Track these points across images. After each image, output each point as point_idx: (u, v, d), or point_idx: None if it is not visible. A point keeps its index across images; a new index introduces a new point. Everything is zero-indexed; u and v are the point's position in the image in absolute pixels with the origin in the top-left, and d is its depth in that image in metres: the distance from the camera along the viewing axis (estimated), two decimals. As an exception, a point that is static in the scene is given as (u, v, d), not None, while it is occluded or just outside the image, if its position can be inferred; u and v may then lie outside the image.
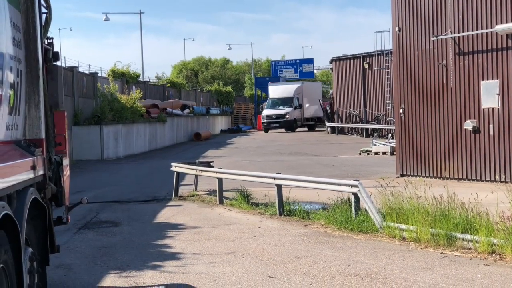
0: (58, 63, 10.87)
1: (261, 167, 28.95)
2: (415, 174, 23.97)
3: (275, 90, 67.62)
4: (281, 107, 65.04)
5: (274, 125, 63.91)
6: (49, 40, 10.31)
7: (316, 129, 67.00)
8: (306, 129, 67.54)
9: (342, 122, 59.13)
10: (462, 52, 22.63)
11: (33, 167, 8.30)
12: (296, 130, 64.68)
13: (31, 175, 8.22)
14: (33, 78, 8.69)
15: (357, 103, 56.87)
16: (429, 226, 13.07)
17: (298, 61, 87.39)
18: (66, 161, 10.54)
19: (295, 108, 64.97)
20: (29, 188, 8.15)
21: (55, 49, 10.53)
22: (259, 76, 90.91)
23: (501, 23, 21.32)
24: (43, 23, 9.58)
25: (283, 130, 64.14)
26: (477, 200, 13.10)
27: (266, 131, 64.24)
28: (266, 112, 65.53)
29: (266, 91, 79.26)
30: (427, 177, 23.08)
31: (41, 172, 8.77)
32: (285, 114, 63.84)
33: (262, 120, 65.49)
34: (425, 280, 10.36)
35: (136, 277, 11.18)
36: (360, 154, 37.72)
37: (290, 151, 41.28)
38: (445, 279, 10.40)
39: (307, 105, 66.79)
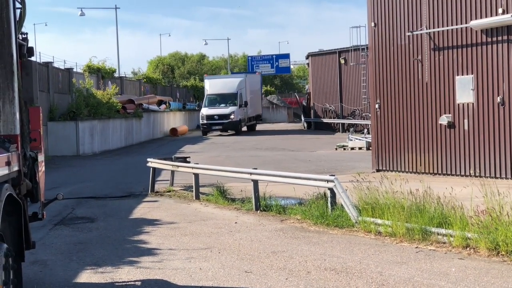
0: (33, 58, 10.81)
1: (238, 163, 28.93)
2: (391, 169, 24.09)
3: (214, 85, 57.73)
4: (222, 105, 55.49)
5: (216, 127, 54.31)
6: (23, 36, 10.24)
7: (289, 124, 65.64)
8: (251, 130, 60.06)
9: (318, 117, 59.26)
10: (437, 47, 22.76)
11: (8, 163, 8.25)
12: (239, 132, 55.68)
13: (5, 171, 8.17)
14: (7, 73, 8.64)
15: (334, 98, 57.04)
16: (404, 220, 13.15)
17: (274, 56, 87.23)
18: (41, 157, 10.50)
19: (240, 106, 55.70)
20: (4, 184, 8.09)
21: (30, 45, 10.46)
22: (236, 71, 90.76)
23: (476, 18, 21.48)
24: (17, 19, 9.52)
25: (226, 132, 55.38)
26: (452, 194, 13.21)
27: (205, 133, 54.42)
28: (205, 111, 55.05)
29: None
30: (402, 172, 23.22)
31: (16, 168, 8.72)
32: (229, 114, 54.37)
33: (201, 121, 55.33)
34: (400, 274, 10.43)
35: (112, 273, 11.16)
36: (336, 149, 37.83)
37: (267, 147, 41.33)
38: (420, 273, 10.48)
39: (250, 102, 58.35)
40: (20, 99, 9.04)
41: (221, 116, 54.01)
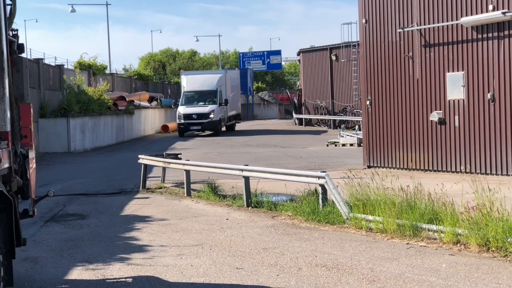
0: (23, 55, 10.78)
1: (229, 159, 28.96)
2: (382, 165, 24.13)
3: (192, 81, 52.89)
4: (201, 103, 51.00)
5: (195, 127, 49.97)
6: (14, 32, 10.20)
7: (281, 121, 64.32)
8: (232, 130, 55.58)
9: (309, 114, 59.31)
10: (428, 44, 22.80)
11: (-2, 160, 8.24)
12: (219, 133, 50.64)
13: (-4, 168, 8.16)
14: (-3, 70, 8.62)
15: (325, 95, 57.10)
16: (395, 217, 13.18)
17: (265, 52, 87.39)
18: (32, 154, 10.46)
19: (220, 104, 51.21)
20: (-6, 181, 8.09)
21: (21, 41, 10.43)
22: (227, 68, 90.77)
23: (467, 15, 21.53)
24: (7, 15, 9.49)
25: (203, 133, 51.01)
26: (442, 190, 13.25)
27: (182, 134, 50.08)
28: (182, 110, 50.38)
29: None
30: (394, 168, 23.28)
31: (6, 165, 8.70)
32: (209, 113, 49.83)
33: (178, 120, 50.66)
34: (391, 270, 10.46)
35: (103, 270, 11.15)
36: (327, 145, 37.89)
37: (258, 143, 41.35)
38: (410, 269, 10.51)
39: (230, 100, 54.09)
40: (10, 96, 9.02)
41: (200, 115, 49.71)
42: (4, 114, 8.71)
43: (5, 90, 8.71)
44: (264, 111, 79.50)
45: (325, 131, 51.18)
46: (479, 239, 11.57)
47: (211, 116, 49.59)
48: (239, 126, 58.36)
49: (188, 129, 49.82)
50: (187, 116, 49.65)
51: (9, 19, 9.72)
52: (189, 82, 52.69)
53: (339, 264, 10.98)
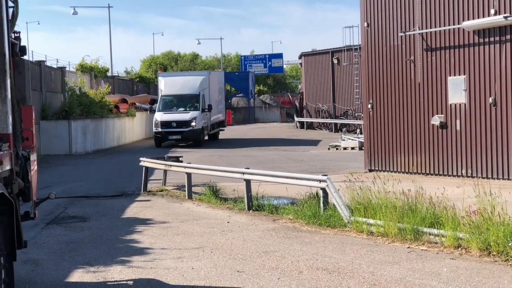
0: (25, 57, 10.79)
1: (231, 162, 28.95)
2: (383, 169, 24.12)
3: (171, 84, 45.95)
4: (181, 109, 44.59)
5: (174, 137, 43.43)
6: (16, 34, 10.21)
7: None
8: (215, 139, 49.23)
9: (311, 117, 59.32)
10: (430, 48, 22.81)
11: (0, 162, 8.24)
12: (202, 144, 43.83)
13: (-2, 170, 8.16)
14: (0, 72, 8.62)
15: (326, 98, 57.11)
16: (396, 220, 13.17)
17: (267, 56, 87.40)
18: (33, 156, 10.46)
19: (203, 111, 44.48)
20: (-4, 184, 8.09)
21: (23, 43, 10.44)
22: (229, 71, 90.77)
23: (468, 19, 21.53)
24: (9, 17, 9.50)
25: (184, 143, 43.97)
26: (444, 194, 13.24)
27: (159, 144, 43.42)
28: (160, 116, 43.62)
29: (236, 86, 79.17)
30: (395, 172, 23.26)
31: (7, 167, 8.70)
32: (190, 121, 43.14)
33: (154, 128, 43.81)
34: (392, 274, 10.45)
35: (104, 272, 11.15)
36: (329, 149, 37.90)
37: (260, 146, 41.33)
38: (411, 273, 10.50)
39: (214, 105, 47.07)
40: (12, 98, 9.03)
41: (180, 123, 42.98)
42: (6, 116, 8.71)
43: (7, 92, 8.71)
44: (265, 114, 79.50)
45: (327, 135, 51.13)
46: (480, 243, 11.56)
47: (193, 124, 43.04)
48: (235, 130, 58.06)
49: (166, 138, 43.44)
50: (165, 124, 43.08)
51: (11, 21, 9.74)
52: (167, 84, 45.91)
53: (340, 268, 10.97)
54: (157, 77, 48.55)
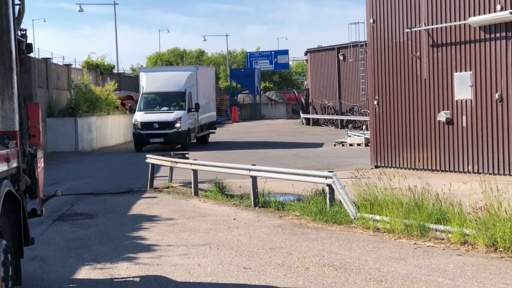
0: (31, 54, 10.81)
1: (236, 159, 28.96)
2: (390, 165, 24.10)
3: (153, 80, 40.94)
4: (165, 108, 39.77)
5: (156, 140, 37.96)
6: (22, 32, 10.24)
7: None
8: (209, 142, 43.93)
9: (317, 114, 59.27)
10: (436, 44, 22.77)
11: (7, 160, 8.27)
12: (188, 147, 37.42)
13: (4, 168, 8.19)
14: (6, 70, 8.66)
15: (332, 95, 57.06)
16: (402, 217, 13.17)
17: (273, 52, 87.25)
18: (40, 153, 10.49)
19: (190, 110, 39.27)
20: (3, 181, 8.12)
21: (29, 41, 10.47)
22: (234, 67, 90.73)
23: (474, 15, 21.48)
24: (16, 15, 9.52)
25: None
26: (450, 191, 13.24)
27: (139, 148, 37.92)
28: (140, 116, 38.60)
29: (242, 82, 79.13)
30: (401, 168, 23.24)
31: (15, 165, 8.74)
32: (174, 122, 38.01)
33: (134, 130, 38.64)
34: (399, 271, 10.46)
35: (111, 269, 11.18)
36: (335, 145, 37.85)
37: (266, 143, 41.32)
38: (418, 269, 10.51)
39: (203, 104, 41.48)
40: (19, 96, 9.06)
41: (163, 124, 37.95)
42: (13, 114, 8.75)
43: (13, 90, 8.75)
44: (271, 111, 79.38)
45: (333, 131, 51.07)
46: (486, 239, 11.56)
47: (177, 125, 37.94)
48: (241, 127, 58.06)
49: (147, 141, 38.11)
50: (147, 125, 38.05)
51: (18, 19, 9.76)
52: (149, 81, 40.90)
53: (346, 264, 10.98)
54: (139, 72, 43.70)
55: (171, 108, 39.41)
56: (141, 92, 40.81)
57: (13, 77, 8.72)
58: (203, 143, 42.19)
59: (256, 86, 76.65)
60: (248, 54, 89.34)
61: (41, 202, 10.42)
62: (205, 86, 43.51)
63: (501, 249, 11.37)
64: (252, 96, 78.40)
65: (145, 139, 37.98)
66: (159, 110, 39.59)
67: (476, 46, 21.58)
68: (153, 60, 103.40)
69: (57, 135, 37.93)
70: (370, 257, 11.43)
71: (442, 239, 12.39)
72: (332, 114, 56.96)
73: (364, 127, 44.48)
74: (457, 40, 22.14)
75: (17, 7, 9.77)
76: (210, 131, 44.67)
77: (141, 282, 10.36)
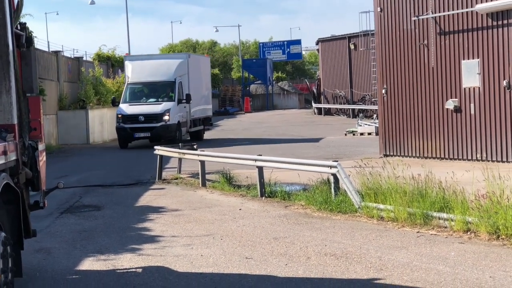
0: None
1: (245, 149, 28.97)
2: (398, 154, 24.07)
3: (140, 69, 36.98)
4: (152, 99, 36.17)
5: (141, 134, 34.55)
6: (21, 25, 10.29)
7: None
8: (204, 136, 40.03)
9: (328, 103, 59.21)
10: (443, 31, 22.69)
11: (5, 153, 8.35)
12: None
13: (2, 160, 8.26)
14: (3, 63, 8.72)
15: (344, 84, 56.97)
16: (406, 205, 13.17)
17: (285, 42, 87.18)
18: (41, 146, 10.57)
19: (180, 102, 35.65)
20: (1, 173, 8.19)
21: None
22: (247, 58, 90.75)
23: (481, 2, 21.39)
24: (14, 9, 9.58)
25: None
26: (453, 179, 13.23)
27: (124, 145, 35.15)
28: (125, 108, 35.23)
29: (254, 73, 79.09)
30: (410, 157, 23.24)
31: (13, 158, 8.81)
32: (162, 114, 34.52)
33: (117, 124, 35.11)
34: (399, 259, 10.47)
35: (114, 260, 11.25)
36: (345, 135, 37.86)
37: (277, 133, 41.37)
38: (419, 258, 10.52)
39: (195, 97, 37.24)
40: (18, 89, 9.12)
41: (149, 117, 34.39)
42: (11, 107, 8.82)
43: (11, 83, 8.81)
44: (284, 101, 79.40)
45: (344, 120, 51.01)
46: (489, 227, 11.55)
47: (166, 118, 34.38)
48: (253, 117, 58.08)
49: (133, 136, 34.69)
50: (131, 118, 34.51)
51: (16, 12, 9.82)
52: (135, 70, 37.03)
53: (348, 253, 11.01)
54: (124, 61, 39.64)
55: (159, 100, 35.84)
56: (126, 82, 37.48)
57: (10, 70, 8.78)
58: (198, 139, 36.81)
59: (268, 76, 76.67)
60: (261, 44, 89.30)
61: (43, 194, 10.50)
62: (199, 76, 39.75)
63: (503, 236, 11.36)
64: (265, 86, 78.40)
65: (129, 133, 34.56)
66: (146, 102, 36.11)
67: (484, 34, 21.49)
68: (166, 52, 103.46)
69: (68, 127, 38.13)
70: (372, 246, 11.45)
71: (445, 227, 12.38)
72: (344, 104, 56.89)
73: (375, 116, 44.35)
74: (464, 27, 22.06)
75: (15, 1, 9.83)
76: (206, 127, 40.70)
77: (143, 273, 10.42)
